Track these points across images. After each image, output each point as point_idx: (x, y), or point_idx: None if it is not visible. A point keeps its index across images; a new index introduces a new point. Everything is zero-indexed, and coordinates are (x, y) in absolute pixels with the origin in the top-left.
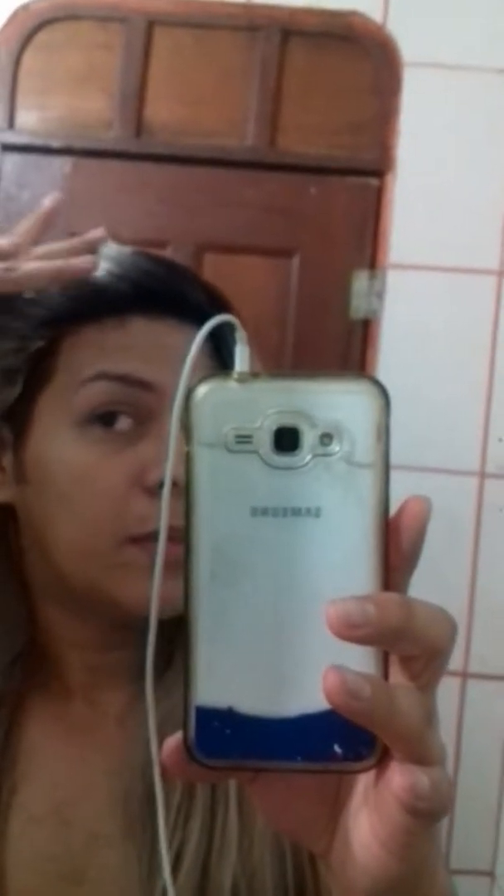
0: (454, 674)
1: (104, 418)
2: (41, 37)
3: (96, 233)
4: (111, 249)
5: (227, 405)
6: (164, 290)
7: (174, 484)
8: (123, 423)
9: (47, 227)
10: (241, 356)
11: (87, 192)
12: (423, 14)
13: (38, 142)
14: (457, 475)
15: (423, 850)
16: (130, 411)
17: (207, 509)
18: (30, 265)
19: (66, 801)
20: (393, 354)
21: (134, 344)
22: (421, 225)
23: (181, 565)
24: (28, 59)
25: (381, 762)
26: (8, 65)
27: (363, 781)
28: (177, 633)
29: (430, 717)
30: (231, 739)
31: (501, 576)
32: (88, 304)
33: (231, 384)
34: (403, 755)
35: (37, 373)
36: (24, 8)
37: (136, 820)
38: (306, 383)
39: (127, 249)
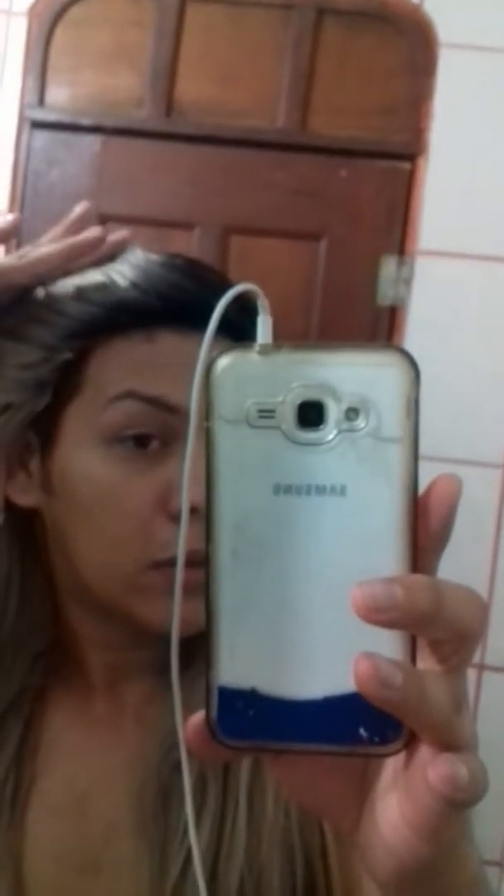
0: (471, 666)
1: (131, 438)
2: (72, 12)
3: (83, 207)
4: (138, 258)
5: (249, 378)
6: (193, 304)
7: (193, 509)
8: (150, 443)
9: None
10: (264, 327)
11: (115, 170)
12: None
13: (68, 119)
14: (480, 466)
15: (453, 834)
16: (157, 432)
17: (229, 486)
18: (40, 250)
19: (85, 792)
20: (419, 342)
21: (163, 362)
22: (452, 211)
23: (201, 589)
24: (59, 35)
25: (409, 745)
26: (39, 41)
27: (392, 764)
28: (197, 638)
29: (459, 703)
30: (254, 721)
31: None
32: (116, 316)
33: (253, 356)
34: (432, 742)
35: (65, 384)
36: None
37: (150, 814)
38: (331, 355)
39: (154, 258)
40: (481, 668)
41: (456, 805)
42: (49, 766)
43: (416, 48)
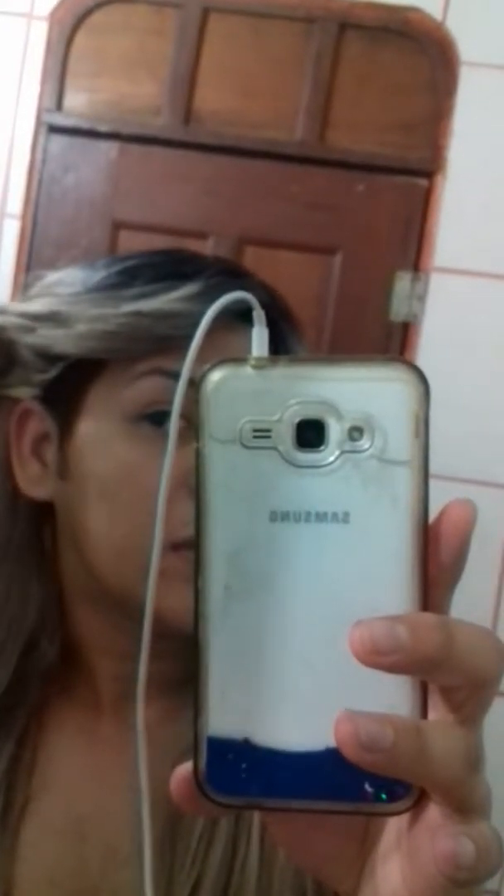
0: None
1: (155, 417)
2: (94, 18)
3: None
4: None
5: (243, 395)
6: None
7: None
8: (166, 421)
9: None
10: (259, 339)
11: (131, 178)
12: (483, 13)
13: (86, 125)
14: (491, 487)
15: None
16: (182, 411)
17: (221, 513)
18: None
19: (86, 815)
20: (432, 359)
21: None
22: (468, 229)
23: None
24: (80, 40)
25: (419, 803)
26: (59, 46)
27: (396, 823)
28: None
29: (472, 759)
30: (247, 774)
31: None
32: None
33: (247, 371)
34: (442, 802)
35: (88, 363)
36: None
37: (155, 842)
38: (332, 369)
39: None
40: None
41: (458, 883)
42: (47, 786)
43: (438, 66)
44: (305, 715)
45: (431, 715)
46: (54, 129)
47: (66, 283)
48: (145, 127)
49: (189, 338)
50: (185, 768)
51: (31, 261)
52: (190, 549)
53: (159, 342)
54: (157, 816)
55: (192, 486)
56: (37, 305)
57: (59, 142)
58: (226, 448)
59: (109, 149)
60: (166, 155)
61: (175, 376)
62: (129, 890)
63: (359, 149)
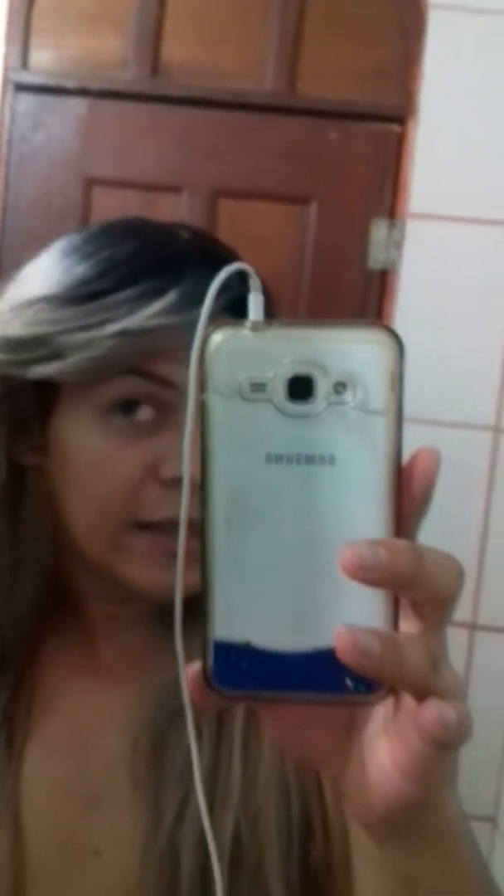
0: (463, 625)
1: (126, 407)
2: None
3: None
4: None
5: (242, 354)
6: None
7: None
8: (145, 413)
9: None
10: (255, 305)
11: (101, 133)
12: None
13: (53, 82)
14: (471, 429)
15: (439, 776)
16: (153, 403)
17: (223, 456)
18: None
19: (86, 731)
20: (410, 306)
21: (165, 346)
22: (443, 174)
23: (195, 556)
24: None
25: (393, 692)
26: (22, 3)
27: (381, 711)
28: (190, 601)
29: (436, 661)
30: (247, 672)
31: None
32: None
33: (245, 333)
34: (414, 696)
35: None
36: None
37: (143, 763)
38: (320, 332)
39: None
40: (473, 627)
41: (446, 746)
42: (47, 713)
43: (406, 9)
44: (296, 623)
45: (402, 624)
46: (21, 88)
47: (42, 281)
48: (113, 81)
49: (169, 348)
50: (196, 667)
51: (6, 221)
52: (158, 531)
53: (143, 354)
54: (143, 740)
55: (160, 476)
56: (17, 328)
57: (26, 100)
58: (227, 400)
59: (78, 105)
60: (136, 109)
61: (148, 376)
62: (128, 799)
63: (330, 96)
